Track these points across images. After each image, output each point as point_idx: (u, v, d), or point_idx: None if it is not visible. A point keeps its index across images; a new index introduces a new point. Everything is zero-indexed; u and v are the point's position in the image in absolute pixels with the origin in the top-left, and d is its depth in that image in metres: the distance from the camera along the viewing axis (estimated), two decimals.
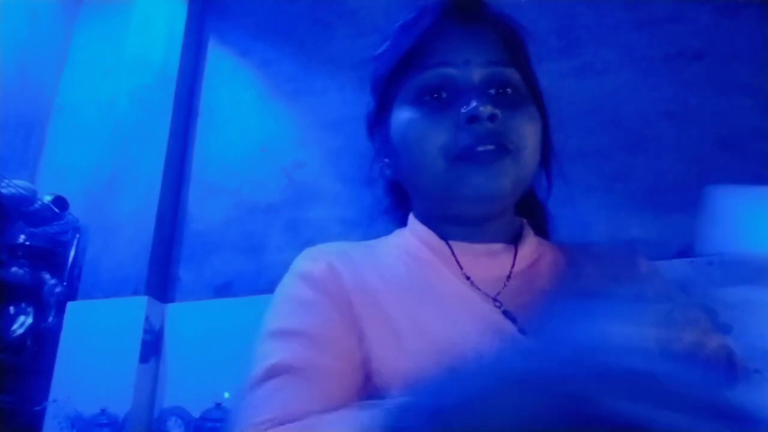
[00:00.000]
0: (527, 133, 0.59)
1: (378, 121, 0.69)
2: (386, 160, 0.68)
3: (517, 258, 0.63)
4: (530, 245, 0.65)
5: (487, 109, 0.56)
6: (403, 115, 0.62)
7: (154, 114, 2.19)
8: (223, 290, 1.96)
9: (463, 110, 0.57)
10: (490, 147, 0.57)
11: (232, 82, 2.33)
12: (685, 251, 1.60)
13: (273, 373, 0.51)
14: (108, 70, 2.47)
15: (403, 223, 0.71)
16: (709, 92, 1.79)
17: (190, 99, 2.33)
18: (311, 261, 0.62)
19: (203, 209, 2.13)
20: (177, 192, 2.16)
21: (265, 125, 2.21)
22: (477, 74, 0.60)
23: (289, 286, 0.61)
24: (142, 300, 1.84)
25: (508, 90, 0.61)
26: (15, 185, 1.99)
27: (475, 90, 0.59)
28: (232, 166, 2.17)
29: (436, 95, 0.60)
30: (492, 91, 0.60)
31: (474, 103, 0.56)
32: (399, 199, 0.73)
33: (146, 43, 2.33)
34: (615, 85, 1.88)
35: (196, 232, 2.09)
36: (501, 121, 0.57)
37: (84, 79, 2.54)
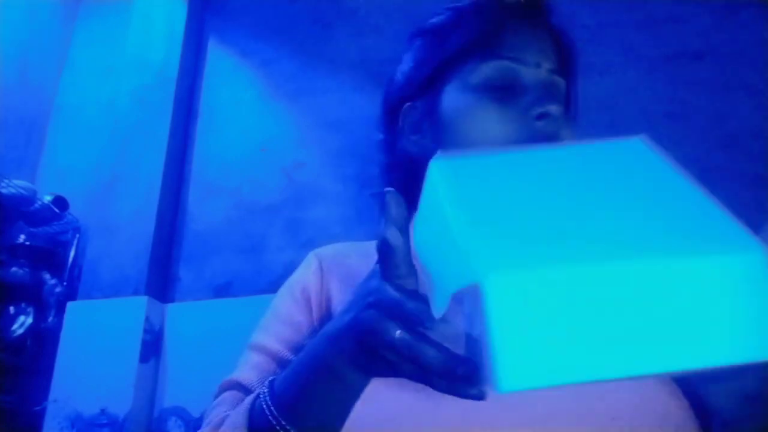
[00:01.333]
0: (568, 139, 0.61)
1: (418, 94, 0.66)
2: (414, 136, 0.66)
3: None
4: None
5: (559, 108, 0.57)
6: (465, 98, 0.61)
7: (154, 114, 2.19)
8: (223, 290, 1.96)
9: (536, 105, 0.57)
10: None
11: (232, 82, 2.33)
12: None
13: (225, 386, 0.58)
14: (108, 70, 2.46)
15: None
16: (709, 92, 1.79)
17: (190, 99, 2.33)
18: (304, 268, 0.64)
19: (203, 209, 2.13)
20: (177, 192, 2.16)
21: (265, 125, 2.21)
22: (543, 76, 0.61)
23: (278, 296, 0.64)
24: (142, 300, 1.84)
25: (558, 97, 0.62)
26: (15, 185, 1.99)
27: (542, 90, 0.59)
28: (232, 166, 2.17)
29: (504, 86, 0.60)
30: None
31: (546, 101, 0.57)
32: (405, 181, 0.71)
33: (146, 43, 2.33)
34: (615, 85, 1.88)
35: (196, 232, 2.09)
36: (561, 123, 0.58)
37: (84, 79, 2.54)
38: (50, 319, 1.95)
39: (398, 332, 0.35)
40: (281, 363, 0.57)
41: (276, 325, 0.61)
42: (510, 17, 0.62)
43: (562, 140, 0.59)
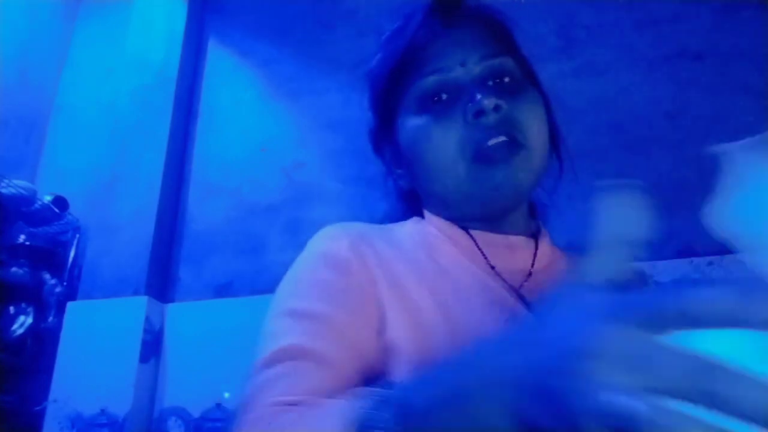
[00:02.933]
0: (533, 119, 0.60)
1: (383, 135, 0.69)
2: (399, 171, 0.68)
3: (538, 254, 0.64)
4: (549, 243, 0.66)
5: (491, 101, 0.56)
6: (410, 125, 0.62)
7: (154, 114, 2.19)
8: (223, 290, 1.96)
9: (469, 106, 0.57)
10: (502, 138, 0.57)
11: (232, 82, 2.33)
12: (685, 251, 1.60)
13: (286, 355, 0.49)
14: (108, 70, 2.47)
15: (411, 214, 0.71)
16: (709, 92, 1.79)
17: (190, 99, 2.33)
18: (333, 240, 0.59)
19: (203, 209, 2.13)
20: (177, 192, 2.16)
21: (265, 125, 2.21)
22: (474, 71, 0.60)
23: (308, 265, 0.58)
24: (142, 300, 1.84)
25: (506, 79, 0.61)
26: (15, 185, 1.99)
27: (475, 85, 0.59)
28: (232, 166, 2.17)
29: (437, 99, 0.60)
30: (491, 83, 0.60)
31: (478, 97, 0.57)
32: (413, 207, 0.72)
33: (146, 43, 2.33)
34: (615, 85, 1.88)
35: (196, 232, 2.09)
36: (507, 111, 0.58)
37: (84, 79, 2.54)
38: (50, 319, 1.95)
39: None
40: (334, 329, 0.51)
41: (316, 290, 0.55)
42: (423, 29, 0.62)
43: (514, 125, 0.58)
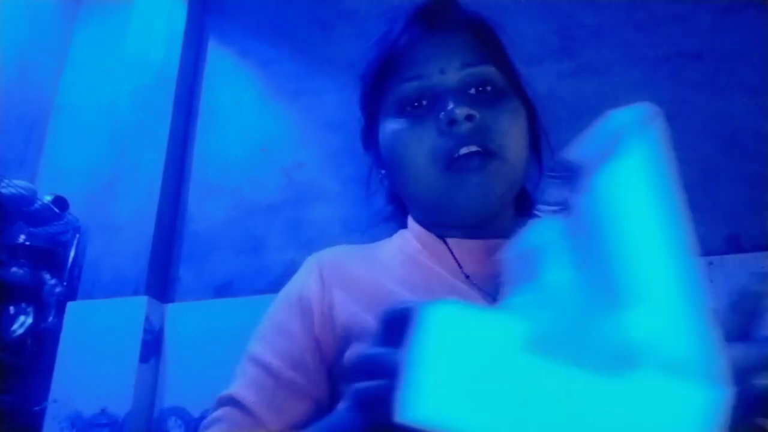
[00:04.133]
0: (510, 129, 0.60)
1: (369, 135, 0.70)
2: (382, 171, 0.69)
3: None
4: None
5: (463, 111, 0.57)
6: (388, 128, 0.63)
7: (154, 114, 2.19)
8: (223, 290, 1.96)
9: (441, 114, 0.57)
10: (473, 148, 0.57)
11: (232, 82, 2.33)
12: None
13: (223, 401, 0.57)
14: (108, 70, 2.46)
15: (405, 225, 0.71)
16: (709, 92, 1.79)
17: (190, 99, 2.32)
18: (303, 276, 0.63)
19: (203, 209, 2.13)
20: (177, 192, 2.16)
21: (265, 125, 2.21)
22: (454, 78, 0.60)
23: (275, 303, 0.63)
24: (142, 300, 1.84)
25: (488, 88, 0.61)
26: (15, 185, 1.99)
27: (452, 93, 0.59)
28: (232, 166, 2.17)
29: (416, 104, 0.60)
30: (472, 91, 0.60)
31: (450, 106, 0.57)
32: (400, 206, 0.73)
33: (146, 43, 2.33)
34: (615, 85, 1.88)
35: (196, 232, 2.09)
36: (481, 120, 0.58)
37: (84, 79, 2.54)
38: (50, 319, 1.95)
39: None
40: (278, 379, 0.57)
41: (273, 335, 0.60)
42: (409, 33, 0.62)
43: (487, 134, 0.58)
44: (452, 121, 0.57)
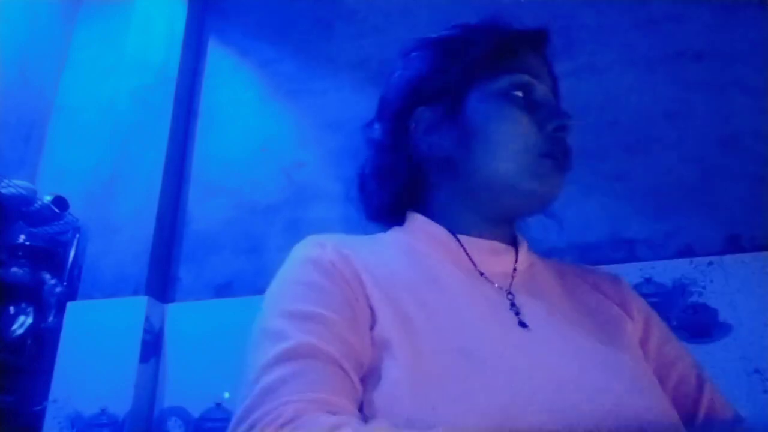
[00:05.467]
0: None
1: (434, 99, 0.67)
2: (430, 138, 0.67)
3: (519, 258, 0.67)
4: (527, 249, 0.70)
5: (570, 121, 0.63)
6: (492, 105, 0.65)
7: (154, 114, 2.19)
8: (223, 290, 1.96)
9: (553, 118, 0.63)
10: (562, 156, 0.64)
11: (232, 82, 2.33)
12: (685, 251, 1.60)
13: (297, 354, 0.49)
14: (108, 70, 2.46)
15: (398, 222, 0.71)
16: (709, 92, 1.79)
17: (190, 99, 2.33)
18: (319, 247, 0.60)
19: (203, 209, 2.13)
20: (177, 192, 2.16)
21: (265, 125, 2.21)
22: (550, 96, 0.68)
23: (297, 269, 0.59)
24: (142, 300, 1.84)
25: None
26: (15, 185, 1.99)
27: (553, 106, 0.66)
28: (232, 166, 2.17)
29: (521, 98, 0.65)
30: None
31: (563, 114, 0.63)
32: (408, 179, 0.70)
33: (146, 43, 2.33)
34: (615, 85, 1.88)
35: (196, 232, 2.09)
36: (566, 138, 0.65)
37: (84, 79, 2.54)
38: (50, 319, 1.95)
39: None
40: (335, 328, 0.52)
41: (310, 293, 0.55)
42: (521, 37, 0.68)
43: (569, 151, 0.65)
44: (562, 127, 0.63)
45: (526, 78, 0.65)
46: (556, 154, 0.63)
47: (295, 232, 1.97)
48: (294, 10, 2.38)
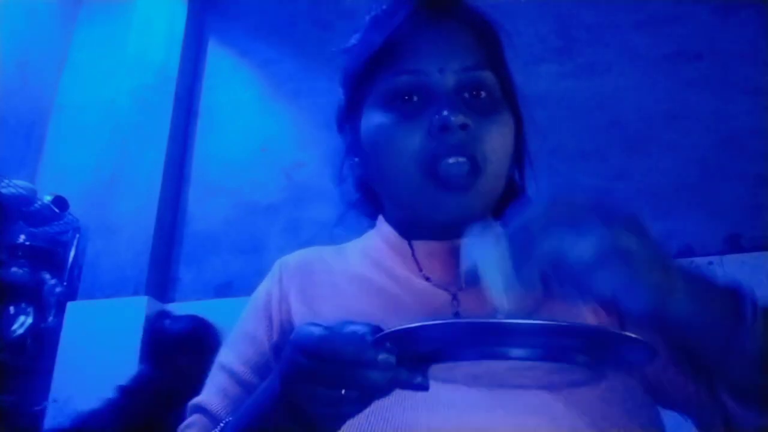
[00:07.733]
0: (498, 143, 0.58)
1: (348, 118, 0.67)
2: (356, 159, 0.66)
3: None
4: None
5: (458, 119, 0.54)
6: (374, 119, 0.60)
7: (154, 114, 2.19)
8: (223, 290, 1.96)
9: (435, 118, 0.55)
10: (461, 159, 0.55)
11: (232, 82, 2.33)
12: (685, 251, 1.60)
13: (193, 409, 0.59)
14: (108, 70, 2.46)
15: (373, 216, 0.70)
16: (709, 92, 1.79)
17: (190, 99, 2.33)
18: (268, 278, 0.65)
19: (203, 209, 2.13)
20: (177, 192, 2.16)
21: (265, 125, 2.21)
22: (451, 80, 0.57)
23: (245, 309, 0.65)
24: (142, 300, 1.84)
25: (482, 93, 0.58)
26: (15, 185, 1.99)
27: (447, 96, 0.56)
28: (232, 166, 2.17)
29: (407, 98, 0.58)
30: (466, 95, 0.58)
31: (445, 112, 0.54)
32: (368, 196, 0.71)
33: (146, 43, 2.33)
34: (615, 85, 1.88)
35: (196, 232, 2.09)
36: (473, 131, 0.55)
37: (84, 79, 2.54)
38: (50, 319, 1.95)
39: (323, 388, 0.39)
40: (244, 386, 0.57)
41: (239, 342, 0.61)
42: (410, 20, 0.59)
43: (476, 146, 0.55)
44: (445, 128, 0.54)
45: (403, 80, 0.57)
46: (441, 169, 0.54)
47: (295, 232, 1.97)
48: (294, 10, 2.38)
